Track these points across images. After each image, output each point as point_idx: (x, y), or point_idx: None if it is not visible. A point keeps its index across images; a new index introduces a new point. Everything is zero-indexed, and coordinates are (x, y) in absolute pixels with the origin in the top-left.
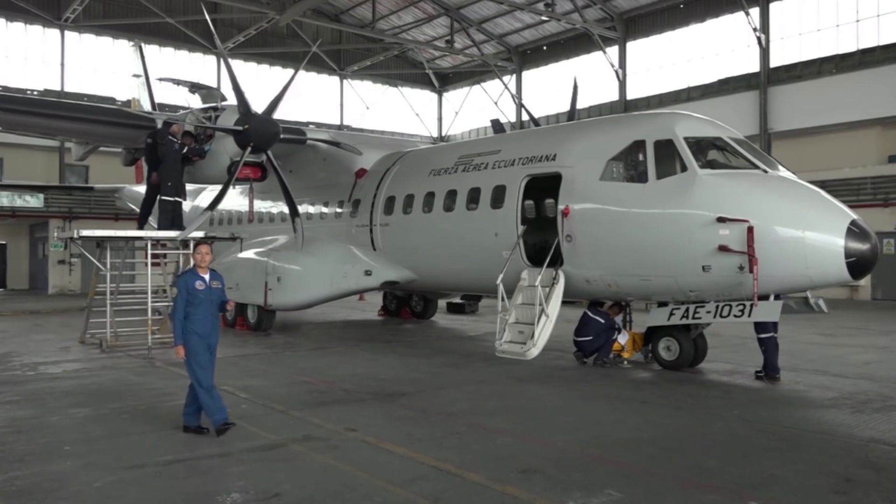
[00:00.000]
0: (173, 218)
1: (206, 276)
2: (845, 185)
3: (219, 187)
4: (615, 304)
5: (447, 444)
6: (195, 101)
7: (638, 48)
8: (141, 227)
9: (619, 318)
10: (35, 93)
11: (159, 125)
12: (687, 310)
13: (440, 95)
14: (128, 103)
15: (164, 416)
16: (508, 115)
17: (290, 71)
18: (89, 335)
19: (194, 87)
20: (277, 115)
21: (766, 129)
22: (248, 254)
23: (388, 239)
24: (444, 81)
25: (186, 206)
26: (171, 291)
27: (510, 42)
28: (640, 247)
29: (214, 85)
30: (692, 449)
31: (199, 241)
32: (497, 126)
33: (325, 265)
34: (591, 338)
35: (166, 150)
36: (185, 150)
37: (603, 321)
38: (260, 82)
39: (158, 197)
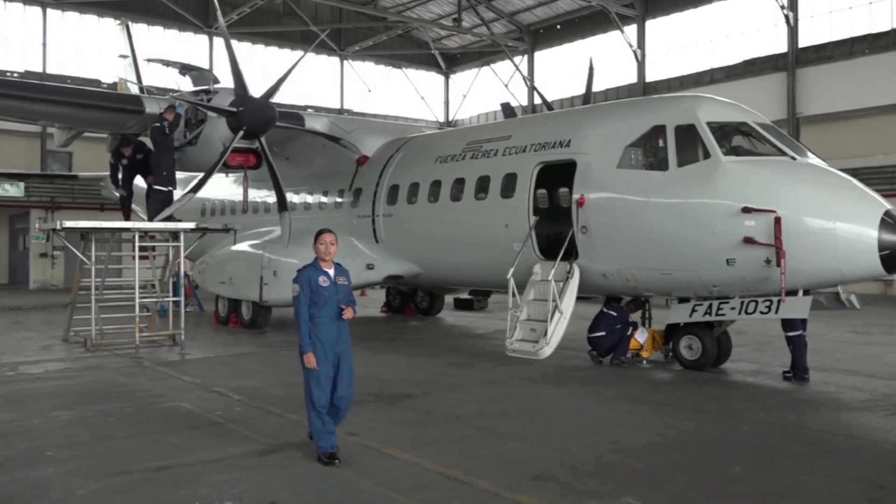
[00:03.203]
0: (164, 209)
1: (331, 271)
2: (879, 173)
3: (213, 176)
4: (633, 300)
5: (454, 449)
6: (186, 84)
7: (658, 27)
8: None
9: (636, 315)
10: (15, 74)
11: (148, 109)
12: (710, 306)
13: (447, 77)
14: (114, 86)
15: (152, 419)
16: (520, 98)
17: (287, 51)
18: (73, 333)
19: (185, 69)
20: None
21: (795, 113)
22: (243, 246)
23: (391, 231)
24: (451, 63)
25: (177, 195)
26: (294, 288)
27: (521, 20)
28: (661, 239)
29: (206, 66)
30: (715, 454)
31: (321, 230)
32: (508, 110)
33: None
34: (603, 333)
35: (158, 135)
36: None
37: (615, 315)
38: (255, 63)
39: (150, 186)
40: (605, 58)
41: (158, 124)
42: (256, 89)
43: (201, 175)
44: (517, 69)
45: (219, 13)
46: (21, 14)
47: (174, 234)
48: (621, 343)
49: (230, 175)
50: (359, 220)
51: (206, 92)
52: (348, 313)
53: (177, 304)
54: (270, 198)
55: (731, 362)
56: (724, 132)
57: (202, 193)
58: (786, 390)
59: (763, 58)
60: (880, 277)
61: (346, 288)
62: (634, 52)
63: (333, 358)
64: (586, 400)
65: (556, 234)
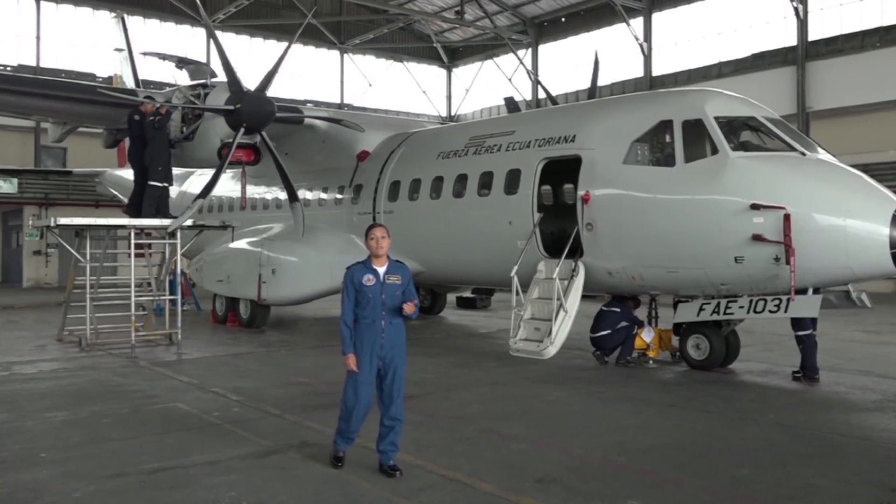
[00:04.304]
0: (159, 205)
1: (382, 269)
2: (890, 168)
3: (209, 171)
4: (631, 298)
5: (457, 450)
6: (182, 78)
7: (665, 20)
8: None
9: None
10: (8, 68)
11: None
12: (718, 305)
13: (449, 71)
14: (109, 80)
15: (148, 420)
16: (523, 92)
17: (286, 44)
18: (67, 332)
19: (182, 63)
20: (272, 93)
21: (804, 107)
22: (241, 244)
23: (392, 228)
24: (453, 56)
25: (173, 191)
26: (341, 288)
27: (525, 13)
28: (667, 236)
29: (203, 60)
30: (723, 456)
31: (372, 225)
32: (511, 105)
33: (323, 256)
34: (608, 332)
35: (151, 131)
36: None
37: (618, 310)
38: (253, 56)
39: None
40: (611, 51)
41: (151, 118)
42: (254, 82)
43: (197, 172)
44: (521, 63)
45: (202, 10)
46: (14, 7)
47: (171, 232)
48: (627, 342)
49: (228, 171)
50: (359, 217)
51: (204, 86)
52: (409, 308)
53: (173, 302)
54: (269, 194)
55: (739, 362)
56: (732, 127)
57: (199, 190)
58: (795, 391)
59: (772, 51)
60: (892, 275)
61: (395, 287)
62: (641, 46)
63: (377, 362)
64: (591, 401)
65: (560, 231)
